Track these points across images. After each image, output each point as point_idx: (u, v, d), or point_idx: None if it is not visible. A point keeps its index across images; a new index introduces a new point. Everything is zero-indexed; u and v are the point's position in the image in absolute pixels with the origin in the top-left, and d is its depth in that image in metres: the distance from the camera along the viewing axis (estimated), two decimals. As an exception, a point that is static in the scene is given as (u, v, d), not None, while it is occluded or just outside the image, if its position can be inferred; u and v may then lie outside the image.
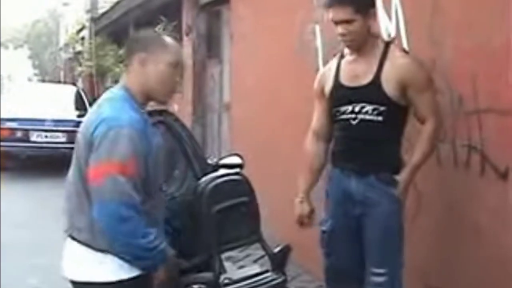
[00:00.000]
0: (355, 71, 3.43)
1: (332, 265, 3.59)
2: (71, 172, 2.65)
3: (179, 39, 10.74)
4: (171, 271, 2.73)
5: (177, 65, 2.69)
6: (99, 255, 2.58)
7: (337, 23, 3.36)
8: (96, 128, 2.52)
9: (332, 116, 3.53)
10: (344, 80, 3.47)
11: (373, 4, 3.47)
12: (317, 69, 4.89)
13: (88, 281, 2.62)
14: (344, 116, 3.44)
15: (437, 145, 3.49)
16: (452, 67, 3.59)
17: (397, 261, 3.37)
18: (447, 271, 3.68)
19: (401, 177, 3.33)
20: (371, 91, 3.35)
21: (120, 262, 2.56)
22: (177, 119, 3.72)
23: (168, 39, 2.73)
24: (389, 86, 3.31)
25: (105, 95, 2.72)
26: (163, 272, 2.66)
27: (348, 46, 3.46)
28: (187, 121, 8.87)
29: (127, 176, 2.46)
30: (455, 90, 3.52)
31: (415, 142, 3.38)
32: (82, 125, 2.65)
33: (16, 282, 5.51)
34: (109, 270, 2.58)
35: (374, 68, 3.35)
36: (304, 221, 3.62)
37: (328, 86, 3.55)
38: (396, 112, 3.36)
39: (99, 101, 2.70)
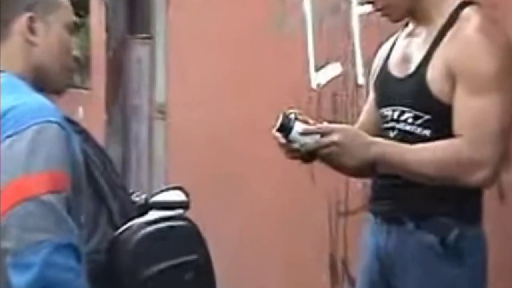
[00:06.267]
0: (407, 51, 2.45)
1: None
2: None
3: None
4: None
5: (73, 29, 2.18)
6: None
7: None
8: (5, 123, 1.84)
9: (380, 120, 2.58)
10: (392, 66, 2.49)
11: None
12: (306, 51, 3.99)
13: None
14: (385, 125, 2.50)
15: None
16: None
17: None
18: None
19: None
20: (411, 87, 2.37)
21: None
22: (85, 135, 2.67)
23: None
24: (437, 77, 2.28)
25: None
26: None
27: (390, 19, 2.51)
28: (99, 133, 7.18)
29: (58, 193, 1.81)
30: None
31: None
32: None
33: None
34: None
35: (427, 47, 2.34)
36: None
37: (375, 74, 2.63)
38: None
39: None
